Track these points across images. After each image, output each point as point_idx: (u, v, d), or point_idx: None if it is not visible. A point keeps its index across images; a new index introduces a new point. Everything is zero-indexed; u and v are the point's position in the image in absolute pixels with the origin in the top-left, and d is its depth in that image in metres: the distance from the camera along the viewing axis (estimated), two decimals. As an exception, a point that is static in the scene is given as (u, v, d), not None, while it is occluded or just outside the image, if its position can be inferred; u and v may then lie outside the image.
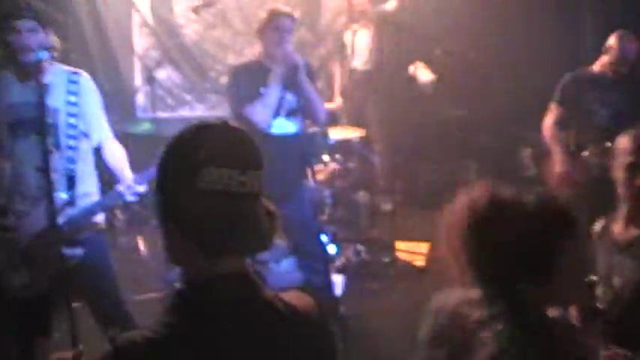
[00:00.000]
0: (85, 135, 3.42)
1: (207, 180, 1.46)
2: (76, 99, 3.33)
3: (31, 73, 3.10)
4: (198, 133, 1.54)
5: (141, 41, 7.09)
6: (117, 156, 3.55)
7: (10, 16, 3.16)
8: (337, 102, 7.04)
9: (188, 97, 7.32)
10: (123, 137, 6.44)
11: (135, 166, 6.15)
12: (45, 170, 2.83)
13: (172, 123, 6.97)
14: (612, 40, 4.92)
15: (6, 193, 3.37)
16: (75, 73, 3.41)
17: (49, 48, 3.19)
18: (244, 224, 1.52)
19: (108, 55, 6.94)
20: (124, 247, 6.19)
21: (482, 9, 6.94)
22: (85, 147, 3.43)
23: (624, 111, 4.86)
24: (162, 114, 7.09)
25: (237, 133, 1.57)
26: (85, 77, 3.44)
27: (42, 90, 2.98)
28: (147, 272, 5.54)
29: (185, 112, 7.30)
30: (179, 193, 1.49)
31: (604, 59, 4.98)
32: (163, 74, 7.17)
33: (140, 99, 7.11)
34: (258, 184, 1.55)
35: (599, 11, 6.63)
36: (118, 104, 6.93)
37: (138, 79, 7.06)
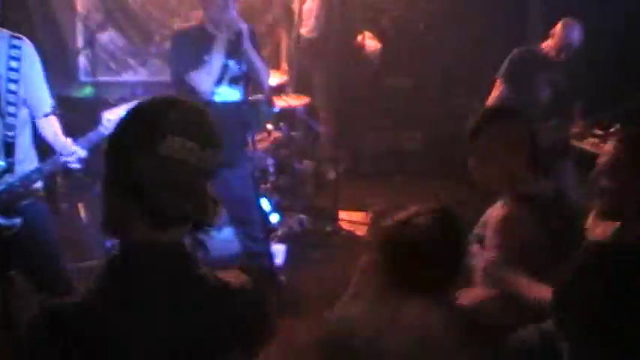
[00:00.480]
0: (25, 102, 3.31)
1: (170, 147, 1.49)
2: (17, 64, 3.21)
3: None
4: (167, 103, 1.58)
5: (83, 2, 6.89)
6: (54, 126, 3.44)
7: None
8: (283, 68, 7.00)
9: (132, 62, 7.15)
10: (64, 100, 6.39)
11: (76, 130, 6.07)
12: None
13: (115, 87, 6.84)
14: (558, 27, 5.01)
15: None
16: (17, 37, 3.28)
17: None
18: (195, 198, 1.55)
19: (48, 15, 6.71)
20: (65, 214, 6.10)
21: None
22: (24, 114, 3.33)
23: (565, 91, 5.04)
24: (104, 78, 6.94)
25: (202, 111, 1.61)
26: (27, 43, 3.31)
27: None
28: (87, 239, 5.48)
29: (128, 77, 7.15)
30: (139, 155, 1.50)
31: (549, 42, 5.06)
32: (106, 37, 7.01)
33: (82, 62, 6.93)
34: (215, 164, 1.59)
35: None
36: (59, 67, 6.78)
37: (80, 42, 6.87)
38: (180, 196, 1.52)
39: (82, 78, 6.93)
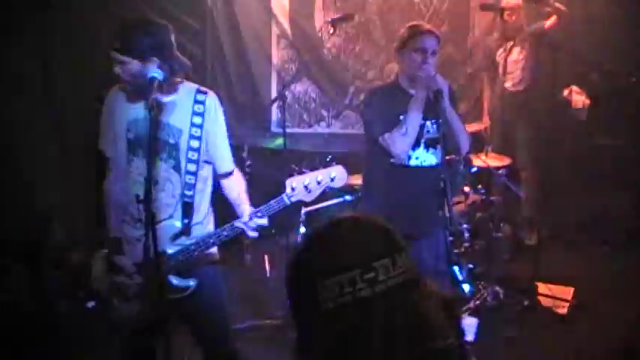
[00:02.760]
0: (206, 161, 3.21)
1: (327, 295, 1.20)
2: (200, 120, 3.11)
3: (145, 91, 2.88)
4: (309, 244, 1.36)
5: (279, 53, 6.90)
6: (237, 187, 3.33)
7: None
8: (485, 123, 6.64)
9: (325, 113, 7.09)
10: (255, 151, 6.40)
11: (265, 181, 6.00)
12: (147, 195, 2.67)
13: (307, 138, 6.79)
14: None
15: (116, 215, 3.24)
16: (202, 92, 3.18)
17: (170, 67, 2.98)
18: (394, 336, 1.21)
19: (244, 66, 6.82)
20: (249, 265, 6.05)
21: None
22: (205, 173, 3.23)
23: None
24: (296, 129, 6.90)
25: (350, 224, 1.35)
26: (211, 97, 3.19)
27: (152, 109, 2.75)
28: (269, 295, 5.39)
29: (321, 129, 7.06)
30: (308, 322, 1.26)
31: None
32: (300, 88, 6.97)
33: (274, 113, 6.92)
34: (402, 270, 1.27)
35: None
36: (252, 117, 6.83)
37: (274, 93, 6.87)
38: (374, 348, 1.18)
39: (274, 129, 6.94)
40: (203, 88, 3.20)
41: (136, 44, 2.94)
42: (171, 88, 3.09)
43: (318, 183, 3.02)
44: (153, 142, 2.85)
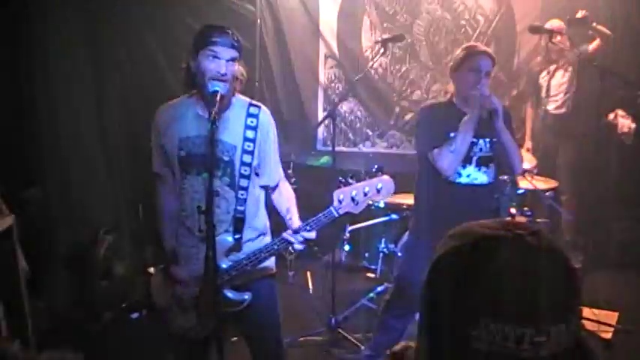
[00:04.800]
0: (257, 174, 3.19)
1: (484, 337, 1.04)
2: (253, 135, 3.09)
3: (209, 105, 2.87)
4: (477, 258, 1.09)
5: (326, 72, 6.96)
6: (286, 200, 3.30)
7: (212, 40, 2.91)
8: (527, 147, 6.62)
9: (370, 133, 7.11)
10: (301, 169, 6.45)
11: (310, 199, 6.05)
12: (208, 212, 2.67)
13: (351, 157, 6.81)
14: None
15: (173, 232, 3.24)
16: (255, 105, 3.16)
17: (229, 79, 2.96)
18: None
19: (292, 85, 6.87)
20: (291, 282, 6.09)
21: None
22: (256, 187, 3.21)
23: None
24: (342, 148, 6.93)
25: (544, 258, 1.07)
26: (264, 112, 3.18)
27: (213, 126, 2.75)
28: (311, 312, 5.41)
29: (366, 148, 7.08)
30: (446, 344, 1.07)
31: None
32: (346, 107, 7.01)
33: (321, 131, 6.98)
34: (572, 336, 1.07)
35: None
36: (299, 135, 6.87)
37: (320, 111, 6.93)
38: None
39: (320, 147, 6.98)
40: (255, 102, 3.18)
41: (238, 44, 2.96)
42: (227, 103, 3.07)
43: (365, 194, 3.01)
44: (212, 155, 2.81)
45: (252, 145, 3.09)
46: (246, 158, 3.08)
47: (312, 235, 3.03)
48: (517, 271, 1.06)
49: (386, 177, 3.07)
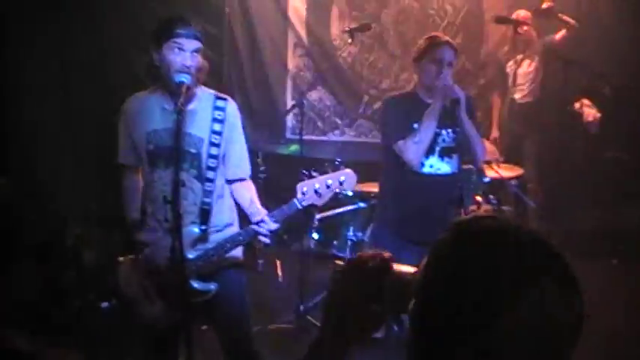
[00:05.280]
0: (224, 166, 3.22)
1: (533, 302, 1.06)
2: (220, 127, 3.12)
3: (175, 97, 2.90)
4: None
5: (294, 61, 6.98)
6: (248, 191, 3.32)
7: (176, 32, 2.95)
8: (494, 135, 6.69)
9: (339, 121, 7.15)
10: (270, 157, 6.47)
11: (279, 187, 6.07)
12: (175, 203, 2.70)
13: (320, 146, 6.83)
14: None
15: (138, 205, 3.27)
16: (222, 98, 3.19)
17: (194, 72, 2.99)
18: None
19: (261, 74, 6.89)
20: (260, 270, 6.10)
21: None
22: (223, 179, 3.25)
23: None
24: (311, 136, 6.96)
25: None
26: (231, 104, 3.21)
27: (179, 116, 2.79)
28: (280, 300, 5.44)
29: (335, 137, 7.12)
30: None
31: None
32: (315, 96, 7.03)
33: (289, 120, 6.99)
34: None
35: None
36: (267, 124, 6.89)
37: (289, 100, 6.95)
38: None
39: (289, 135, 7.01)
40: (221, 95, 3.21)
41: (200, 35, 3.00)
42: (192, 95, 3.09)
43: (328, 187, 3.06)
44: (178, 146, 2.84)
45: (219, 137, 3.12)
46: (214, 151, 3.11)
47: (276, 226, 3.08)
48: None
49: (348, 170, 3.13)
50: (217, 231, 3.20)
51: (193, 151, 3.08)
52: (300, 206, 3.05)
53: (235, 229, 3.30)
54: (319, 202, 3.10)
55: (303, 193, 3.05)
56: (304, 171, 3.42)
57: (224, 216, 3.26)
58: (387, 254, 1.44)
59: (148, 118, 3.11)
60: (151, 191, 3.17)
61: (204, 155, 3.10)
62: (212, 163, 3.11)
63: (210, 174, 3.12)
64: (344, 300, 1.44)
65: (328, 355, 1.45)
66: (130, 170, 3.27)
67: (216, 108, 3.14)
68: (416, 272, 1.28)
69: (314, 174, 3.14)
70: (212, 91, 3.21)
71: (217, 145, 3.12)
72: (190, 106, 3.08)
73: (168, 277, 3.04)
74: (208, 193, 3.12)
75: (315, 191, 3.05)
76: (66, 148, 5.58)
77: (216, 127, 3.11)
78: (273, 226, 3.07)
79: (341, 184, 3.08)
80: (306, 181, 3.09)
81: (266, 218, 3.07)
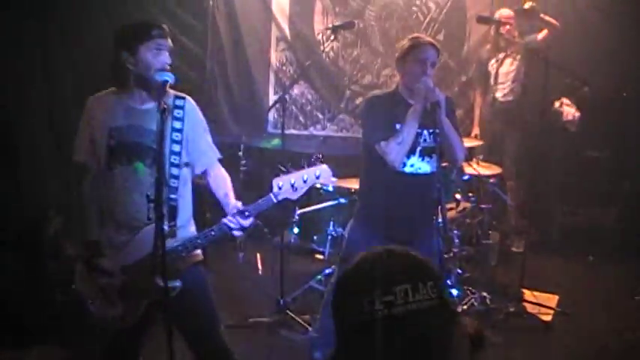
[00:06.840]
0: (187, 163, 3.26)
1: (351, 312, 1.39)
2: (180, 125, 3.16)
3: (156, 95, 2.96)
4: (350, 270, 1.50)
5: (277, 55, 6.99)
6: (223, 183, 3.35)
7: (153, 32, 3.04)
8: (475, 132, 6.75)
9: (320, 116, 7.17)
10: (252, 151, 6.49)
11: (260, 180, 6.08)
12: (157, 200, 2.69)
13: (302, 140, 6.85)
14: None
15: (99, 222, 3.25)
16: (180, 97, 3.23)
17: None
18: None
19: (243, 67, 6.89)
20: (241, 263, 6.13)
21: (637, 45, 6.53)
22: (186, 176, 3.27)
23: None
24: (292, 130, 6.98)
25: (385, 255, 1.47)
26: (189, 102, 3.26)
27: (162, 116, 2.81)
28: (260, 294, 5.48)
29: (316, 131, 7.14)
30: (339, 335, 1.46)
31: None
32: (297, 91, 7.05)
33: (272, 114, 7.00)
34: (425, 298, 1.38)
35: None
36: (250, 117, 6.90)
37: (272, 94, 6.96)
38: None
39: (270, 129, 7.02)
40: (180, 94, 3.25)
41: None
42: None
43: (304, 181, 3.09)
44: (160, 145, 2.83)
45: (179, 135, 3.15)
46: (175, 147, 3.14)
47: (248, 222, 3.10)
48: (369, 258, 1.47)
49: (324, 165, 3.16)
50: (183, 227, 3.21)
51: (155, 147, 3.08)
52: (275, 200, 3.09)
53: (193, 224, 3.34)
54: (294, 196, 3.13)
55: (279, 187, 3.08)
56: (281, 167, 3.46)
57: (187, 212, 3.30)
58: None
59: (110, 115, 3.14)
60: (110, 191, 3.18)
61: (166, 153, 3.10)
62: (175, 159, 3.14)
63: (174, 170, 3.13)
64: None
65: None
66: (89, 173, 3.25)
67: (176, 107, 3.18)
68: None
69: (291, 170, 3.16)
70: (171, 91, 3.22)
71: (179, 142, 3.15)
72: (152, 105, 3.13)
73: (133, 275, 3.08)
74: (174, 190, 3.13)
75: (292, 185, 3.09)
76: (48, 139, 5.57)
77: (177, 124, 3.15)
78: (246, 222, 3.09)
79: (317, 177, 3.12)
80: (282, 176, 3.12)
81: (237, 215, 3.10)
